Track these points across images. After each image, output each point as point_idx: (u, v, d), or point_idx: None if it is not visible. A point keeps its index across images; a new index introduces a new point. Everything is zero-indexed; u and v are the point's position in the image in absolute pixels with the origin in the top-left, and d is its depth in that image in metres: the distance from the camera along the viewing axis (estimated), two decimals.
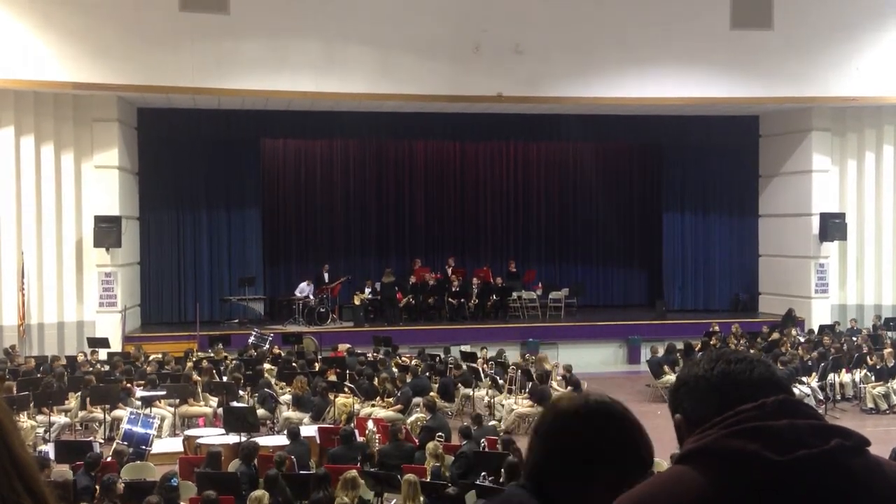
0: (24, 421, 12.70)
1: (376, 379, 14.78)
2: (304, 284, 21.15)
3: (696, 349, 17.87)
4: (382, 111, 20.84)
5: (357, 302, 21.33)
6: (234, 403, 13.30)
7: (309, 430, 12.25)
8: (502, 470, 9.22)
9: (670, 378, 16.83)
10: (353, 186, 24.00)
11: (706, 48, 19.99)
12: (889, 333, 19.86)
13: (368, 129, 21.78)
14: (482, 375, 15.76)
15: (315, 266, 22.66)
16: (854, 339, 18.59)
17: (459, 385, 15.55)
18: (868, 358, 16.74)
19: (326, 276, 21.86)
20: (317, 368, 15.72)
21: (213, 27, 18.20)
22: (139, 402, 13.68)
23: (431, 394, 14.31)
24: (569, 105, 20.61)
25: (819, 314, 21.41)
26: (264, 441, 11.82)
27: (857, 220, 22.09)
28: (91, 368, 15.67)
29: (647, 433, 1.84)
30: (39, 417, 13.36)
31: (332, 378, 14.70)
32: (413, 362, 16.48)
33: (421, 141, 24.15)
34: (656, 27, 19.69)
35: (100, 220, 18.27)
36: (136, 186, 20.70)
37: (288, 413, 13.76)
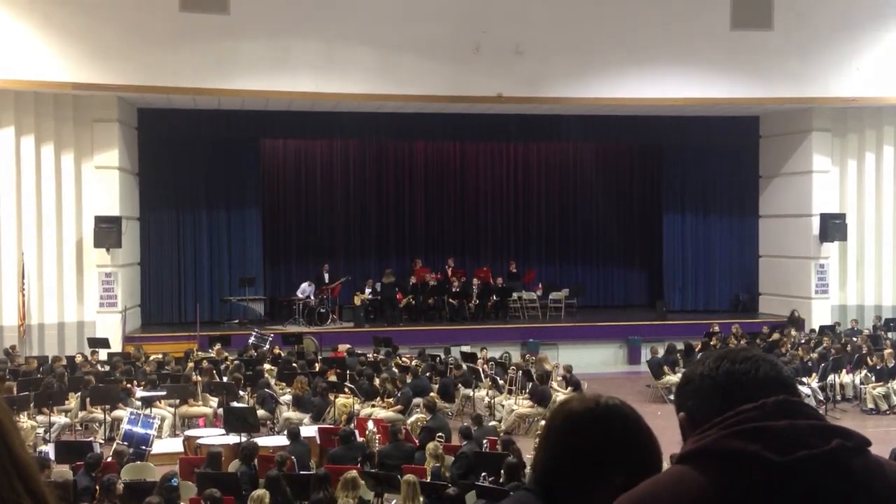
0: (25, 421, 12.69)
1: (377, 379, 14.78)
2: (305, 285, 21.15)
3: (697, 350, 17.87)
4: (382, 111, 20.84)
5: (357, 302, 21.33)
6: (235, 404, 13.30)
7: (309, 430, 12.25)
8: (502, 470, 9.22)
9: (670, 378, 16.84)
10: (353, 187, 24.00)
11: (706, 48, 19.99)
12: (889, 334, 19.86)
13: (368, 130, 21.78)
14: (482, 376, 15.76)
15: (315, 266, 22.66)
16: (854, 339, 18.59)
17: (460, 385, 15.55)
18: (868, 359, 16.74)
19: (326, 276, 21.86)
20: (317, 369, 15.72)
21: (213, 27, 18.21)
22: (139, 403, 13.68)
23: (431, 394, 14.32)
24: (569, 105, 20.61)
25: (819, 315, 21.41)
26: (264, 441, 11.83)
27: (858, 221, 22.09)
28: (90, 369, 15.67)
29: (655, 436, 1.84)
30: (39, 418, 13.36)
31: (333, 378, 14.69)
32: (413, 363, 16.49)
33: (421, 141, 24.15)
34: (656, 27, 19.69)
35: (100, 221, 18.27)
36: (137, 187, 20.70)
37: (288, 413, 13.75)
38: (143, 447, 11.77)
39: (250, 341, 18.29)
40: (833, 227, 21.20)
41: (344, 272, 22.63)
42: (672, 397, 15.78)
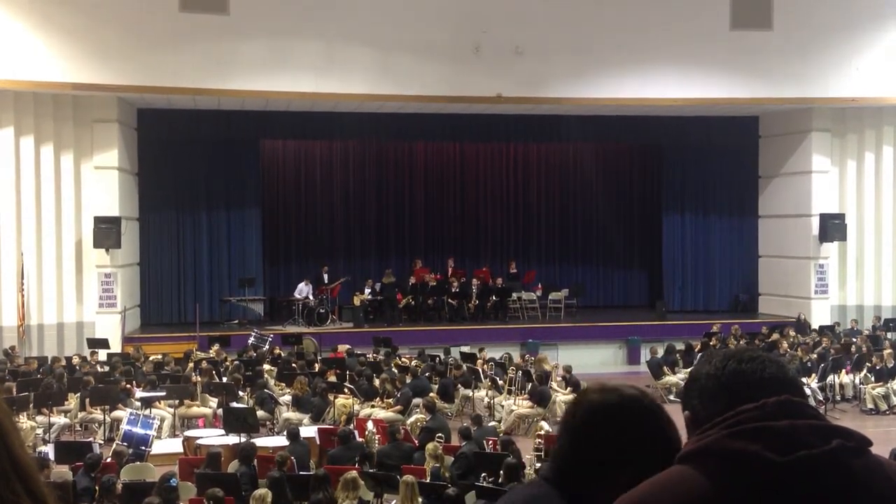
0: (24, 422, 12.69)
1: (376, 380, 14.78)
2: (302, 285, 21.15)
3: (696, 350, 17.87)
4: (382, 112, 20.84)
5: (357, 303, 21.33)
6: (234, 404, 13.30)
7: (309, 430, 12.25)
8: (502, 471, 9.22)
9: (670, 379, 16.85)
10: (353, 187, 24.00)
11: (706, 48, 19.99)
12: (888, 334, 19.86)
13: (368, 130, 21.77)
14: (482, 376, 15.76)
15: (315, 267, 22.66)
16: (854, 339, 18.58)
17: (459, 386, 15.54)
18: (868, 359, 16.72)
19: (326, 276, 21.85)
20: (316, 369, 15.71)
21: (213, 28, 18.21)
22: (139, 403, 13.67)
23: (431, 395, 14.31)
24: (569, 105, 20.61)
25: (819, 315, 21.41)
26: (264, 442, 11.83)
27: (857, 221, 22.10)
28: (90, 369, 15.66)
29: (676, 426, 1.83)
30: (39, 418, 13.35)
31: (332, 379, 14.69)
32: (413, 363, 16.48)
33: (421, 142, 24.15)
34: (656, 27, 19.70)
35: (99, 221, 18.27)
36: (136, 187, 20.70)
37: (288, 414, 13.75)
38: (143, 448, 11.77)
39: (250, 342, 18.29)
40: (832, 227, 21.20)
41: (343, 272, 22.64)
42: (672, 397, 15.82)
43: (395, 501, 8.96)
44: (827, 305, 21.77)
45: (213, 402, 14.20)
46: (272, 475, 9.14)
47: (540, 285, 22.86)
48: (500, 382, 15.52)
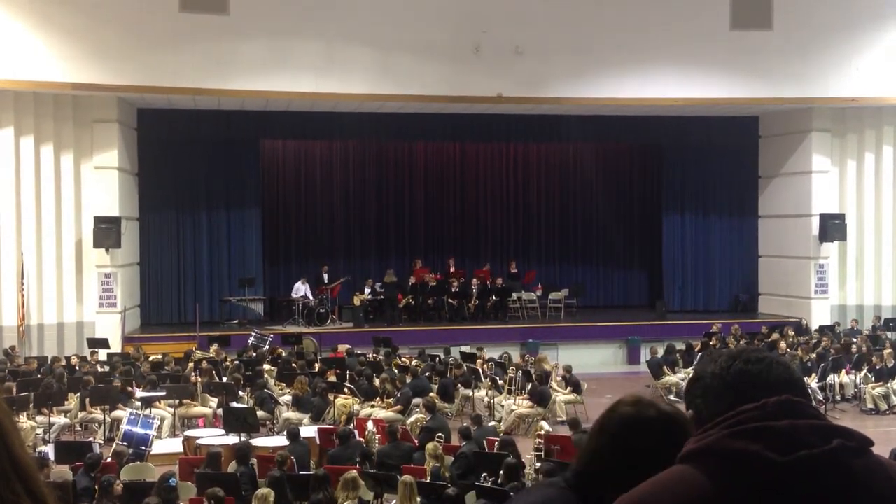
0: (24, 422, 12.69)
1: (376, 380, 14.78)
2: (298, 284, 21.16)
3: (696, 350, 17.87)
4: (382, 112, 20.84)
5: (357, 303, 21.33)
6: (234, 404, 13.30)
7: (309, 430, 12.25)
8: (501, 471, 9.22)
9: (670, 379, 16.85)
10: (353, 187, 24.01)
11: (706, 48, 19.99)
12: (888, 334, 19.85)
13: (368, 130, 21.77)
14: (482, 376, 15.76)
15: (314, 266, 22.65)
16: (854, 339, 18.59)
17: (459, 386, 15.55)
18: (869, 359, 16.72)
19: (326, 276, 21.85)
20: (316, 369, 15.71)
21: (213, 28, 18.21)
22: (139, 403, 13.67)
23: (431, 394, 14.31)
24: (569, 105, 20.62)
25: (819, 315, 21.41)
26: (264, 442, 11.83)
27: (857, 221, 22.10)
28: (90, 369, 15.66)
29: None
30: (39, 418, 13.35)
31: (332, 379, 14.69)
32: (413, 363, 16.48)
33: (421, 142, 24.15)
34: (656, 27, 19.70)
35: (99, 221, 18.27)
36: (136, 187, 20.70)
37: (288, 414, 13.75)
38: (143, 447, 11.77)
39: (250, 342, 18.30)
40: (832, 227, 21.20)
41: (343, 272, 22.64)
42: (672, 397, 15.81)
43: (394, 502, 8.95)
44: (827, 305, 21.77)
45: (213, 402, 14.20)
46: (273, 474, 9.14)
47: (540, 285, 22.86)
48: (500, 382, 15.52)
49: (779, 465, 1.50)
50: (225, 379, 14.60)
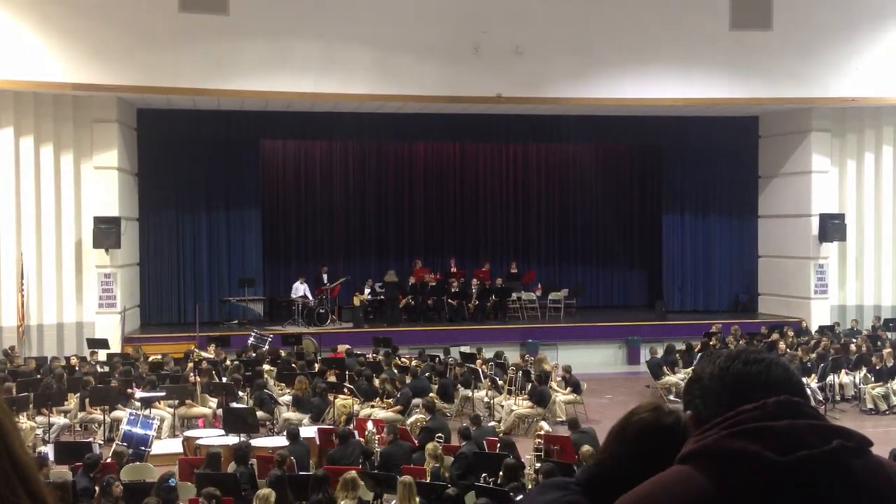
0: (24, 422, 12.70)
1: (376, 380, 14.78)
2: (297, 283, 21.16)
3: (696, 350, 17.86)
4: (382, 112, 20.84)
5: (357, 303, 21.33)
6: (234, 404, 13.30)
7: (308, 430, 12.26)
8: (501, 471, 9.22)
9: (670, 379, 16.84)
10: (353, 187, 24.01)
11: (706, 48, 19.99)
12: (888, 334, 19.86)
13: (368, 130, 21.77)
14: (482, 376, 15.76)
15: (314, 267, 22.65)
16: (854, 339, 18.59)
17: (459, 386, 15.55)
18: (869, 359, 16.72)
19: (325, 276, 21.85)
20: (316, 369, 15.71)
21: (212, 28, 18.20)
22: (138, 403, 13.67)
23: (431, 395, 14.32)
24: (569, 106, 20.62)
25: (819, 315, 21.41)
26: (264, 442, 11.83)
27: (857, 221, 22.09)
28: (89, 369, 15.65)
29: None
30: (39, 418, 13.36)
31: (332, 379, 14.69)
32: (413, 363, 16.48)
33: (421, 142, 24.15)
34: (656, 28, 19.70)
35: (99, 221, 18.26)
36: (136, 187, 20.70)
37: (287, 414, 13.75)
38: (143, 448, 11.77)
39: (250, 342, 18.29)
40: (832, 227, 21.20)
41: (343, 273, 22.64)
42: (672, 397, 15.82)
43: (394, 502, 8.96)
44: (827, 305, 21.77)
45: (213, 402, 14.20)
46: (274, 473, 9.14)
47: (540, 285, 22.86)
48: (500, 382, 15.52)
49: (778, 465, 1.50)
50: (225, 379, 14.60)
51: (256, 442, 11.68)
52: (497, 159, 25.07)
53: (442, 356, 17.54)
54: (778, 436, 1.53)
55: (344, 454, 10.52)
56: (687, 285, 23.94)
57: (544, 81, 19.66)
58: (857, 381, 16.55)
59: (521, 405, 14.53)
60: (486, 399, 15.23)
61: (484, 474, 9.62)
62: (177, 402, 13.83)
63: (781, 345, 17.65)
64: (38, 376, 14.73)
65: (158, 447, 12.26)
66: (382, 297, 21.58)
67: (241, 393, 14.06)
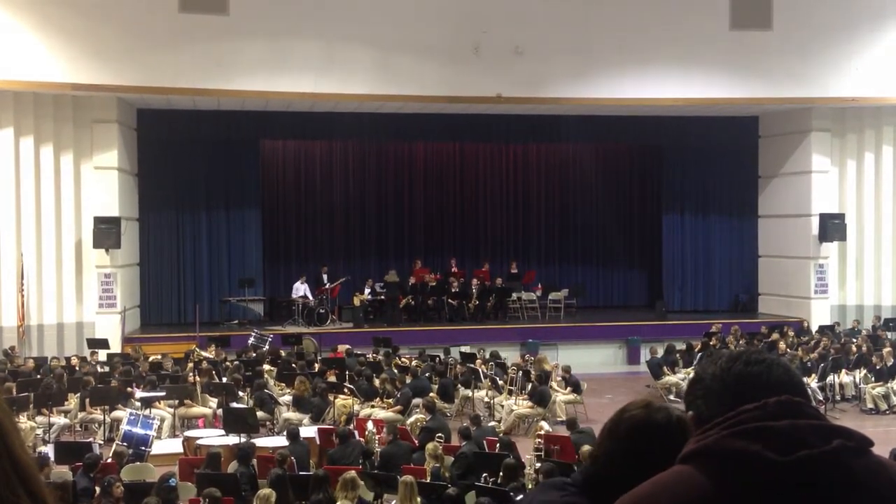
0: (24, 422, 12.69)
1: (376, 380, 14.78)
2: (298, 283, 21.17)
3: (696, 350, 17.86)
4: (382, 112, 20.84)
5: (357, 303, 21.34)
6: (234, 404, 13.30)
7: (309, 430, 12.26)
8: (501, 471, 9.22)
9: (670, 379, 16.84)
10: (353, 187, 24.02)
11: (706, 48, 19.99)
12: (888, 334, 19.86)
13: (368, 131, 21.78)
14: (482, 376, 15.76)
15: (314, 267, 22.65)
16: (854, 339, 18.59)
17: (459, 386, 15.55)
18: (869, 359, 16.72)
19: (325, 276, 21.85)
20: (316, 369, 15.71)
21: (212, 28, 18.20)
22: (139, 403, 13.67)
23: (431, 395, 14.31)
24: (569, 106, 20.62)
25: (819, 315, 21.41)
26: (264, 442, 11.83)
27: (857, 221, 22.09)
28: (90, 369, 15.65)
29: None
30: (39, 418, 13.36)
31: (332, 379, 14.69)
32: (413, 363, 16.48)
33: (421, 142, 24.16)
34: (656, 28, 19.70)
35: (99, 222, 18.26)
36: (136, 187, 20.70)
37: (288, 414, 13.75)
38: (143, 448, 11.77)
39: (250, 342, 18.30)
40: (832, 227, 21.20)
41: (343, 273, 22.63)
42: (672, 397, 15.82)
43: (394, 502, 8.95)
44: (827, 305, 21.77)
45: (213, 402, 14.20)
46: (275, 472, 9.14)
47: (540, 285, 22.86)
48: (500, 382, 15.52)
49: (779, 465, 1.50)
50: (225, 379, 14.60)
51: (257, 442, 11.67)
52: (497, 159, 25.07)
53: (442, 356, 17.54)
54: (779, 436, 1.53)
55: (344, 454, 10.52)
56: (687, 285, 23.94)
57: (544, 81, 19.66)
58: (858, 380, 16.55)
59: (521, 405, 14.53)
60: (486, 399, 15.23)
61: (484, 474, 9.62)
62: (177, 402, 13.83)
63: (782, 345, 17.64)
64: (39, 376, 14.73)
65: (158, 447, 12.26)
66: (382, 297, 21.58)
67: (241, 393, 14.06)
